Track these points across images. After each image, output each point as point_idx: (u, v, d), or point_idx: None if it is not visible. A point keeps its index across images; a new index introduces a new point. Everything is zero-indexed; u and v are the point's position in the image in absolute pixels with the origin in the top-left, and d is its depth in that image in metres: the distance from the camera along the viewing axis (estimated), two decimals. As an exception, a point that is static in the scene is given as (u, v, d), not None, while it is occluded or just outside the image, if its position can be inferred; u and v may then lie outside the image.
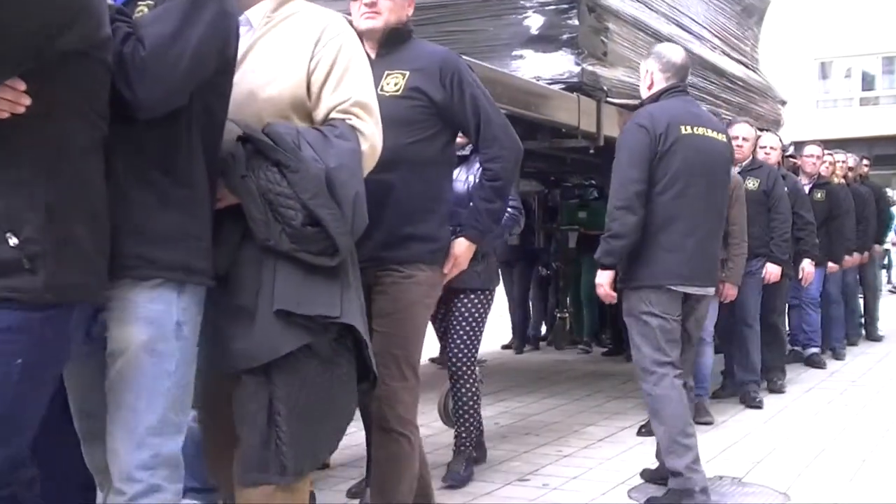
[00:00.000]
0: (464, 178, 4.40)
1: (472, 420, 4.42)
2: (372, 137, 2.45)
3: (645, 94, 4.06)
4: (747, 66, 7.41)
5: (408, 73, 3.00)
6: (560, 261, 8.63)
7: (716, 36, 6.75)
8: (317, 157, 2.27)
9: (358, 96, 2.44)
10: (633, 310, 3.89)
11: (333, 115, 2.42)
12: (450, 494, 4.10)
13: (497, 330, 8.88)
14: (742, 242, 5.72)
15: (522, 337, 8.84)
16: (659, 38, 5.64)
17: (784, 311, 7.07)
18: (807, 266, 6.90)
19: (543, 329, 9.25)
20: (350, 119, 2.42)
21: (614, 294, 3.98)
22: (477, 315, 4.39)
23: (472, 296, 4.37)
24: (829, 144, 8.95)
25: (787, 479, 4.33)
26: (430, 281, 3.04)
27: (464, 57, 4.21)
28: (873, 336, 9.63)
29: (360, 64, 2.51)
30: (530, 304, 8.90)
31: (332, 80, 2.43)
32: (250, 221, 2.25)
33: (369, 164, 2.48)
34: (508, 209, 4.35)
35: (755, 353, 6.41)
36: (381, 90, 2.97)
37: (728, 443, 5.09)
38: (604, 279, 3.94)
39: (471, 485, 4.27)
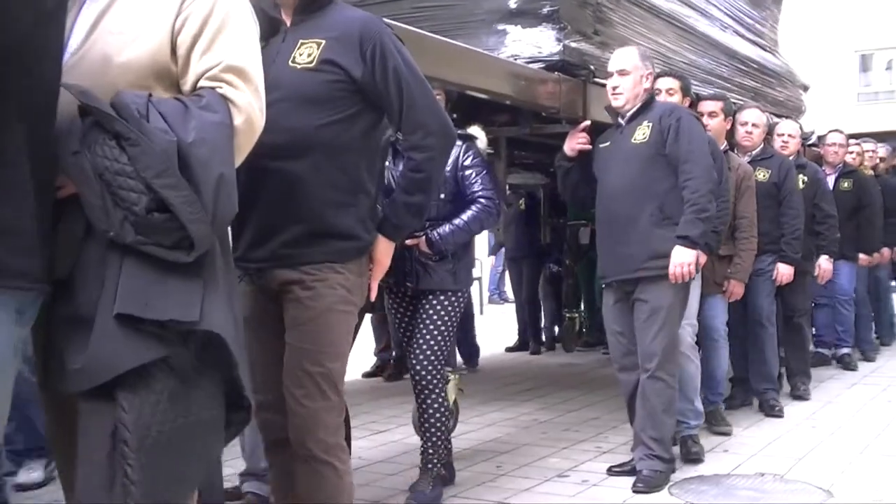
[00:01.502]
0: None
1: (439, 435, 4.01)
2: (248, 109, 2.03)
3: (641, 92, 4.11)
4: (764, 49, 6.91)
5: (323, 42, 2.58)
6: (570, 257, 8.19)
7: (727, 15, 6.27)
8: (167, 129, 1.88)
9: (231, 60, 2.03)
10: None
11: (202, 82, 2.02)
12: (486, 490, 4.01)
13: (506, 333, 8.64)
14: (751, 237, 5.27)
15: (536, 337, 8.45)
16: (658, 14, 5.20)
17: (808, 311, 6.57)
18: (823, 263, 6.41)
19: (557, 329, 8.81)
20: (221, 87, 2.02)
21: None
22: (446, 318, 3.98)
23: (442, 297, 3.96)
24: (870, 137, 8.49)
25: (830, 477, 4.24)
26: (349, 284, 2.62)
27: (437, 35, 3.87)
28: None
29: (239, 23, 2.09)
30: (542, 303, 8.49)
31: (202, 42, 2.02)
32: (86, 208, 1.83)
33: (245, 141, 2.05)
34: (482, 200, 3.97)
35: (772, 357, 5.92)
36: (293, 62, 2.58)
37: (769, 439, 5.02)
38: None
39: (509, 481, 4.18)
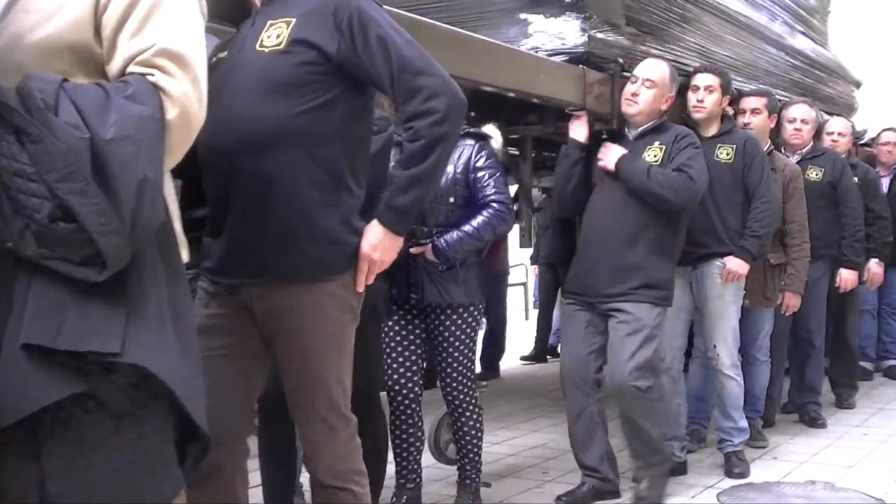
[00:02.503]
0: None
1: (476, 450, 3.84)
2: (183, 101, 1.72)
3: (658, 110, 3.94)
4: (814, 41, 6.47)
5: (293, 20, 2.27)
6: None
7: (775, 3, 5.83)
8: (79, 124, 1.58)
9: (166, 43, 1.73)
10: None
11: (131, 68, 1.73)
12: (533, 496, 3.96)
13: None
14: (803, 243, 4.90)
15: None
16: (700, 4, 4.81)
17: (855, 323, 6.14)
18: (874, 267, 5.99)
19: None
20: (152, 75, 1.71)
21: None
22: (468, 334, 3.71)
23: (456, 315, 3.67)
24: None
25: (883, 485, 4.18)
26: (341, 301, 2.32)
27: (452, 27, 3.55)
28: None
29: (178, 1, 1.81)
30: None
31: (132, 22, 1.72)
32: (-18, 214, 1.57)
33: (179, 138, 1.74)
34: (494, 204, 3.64)
35: (816, 374, 5.57)
36: (260, 46, 2.26)
37: (819, 447, 4.96)
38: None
39: (555, 487, 4.13)
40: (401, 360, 3.74)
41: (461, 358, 3.69)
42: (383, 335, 3.76)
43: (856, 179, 5.83)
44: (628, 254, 3.82)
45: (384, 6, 2.39)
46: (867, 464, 4.60)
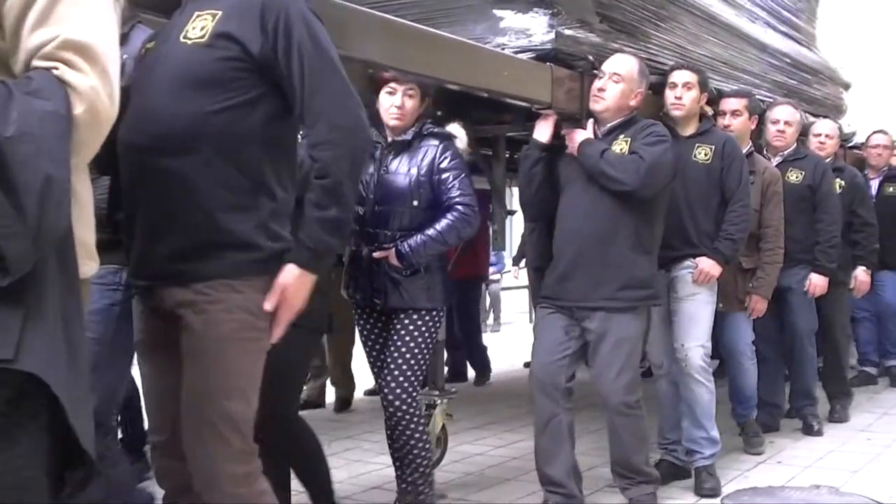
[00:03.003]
0: (405, 171, 3.60)
1: (420, 471, 3.60)
2: (91, 96, 1.62)
3: (626, 106, 3.82)
4: (799, 43, 6.37)
5: (219, 13, 2.16)
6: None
7: (757, 5, 5.74)
8: None
9: (71, 34, 1.63)
10: None
11: (35, 62, 1.64)
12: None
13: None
14: (777, 248, 4.79)
15: None
16: (677, 2, 4.72)
17: (846, 326, 6.05)
18: (861, 275, 5.89)
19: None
20: (57, 68, 1.63)
21: None
22: (420, 340, 3.57)
23: (415, 316, 3.56)
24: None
25: (888, 489, 4.15)
26: (252, 305, 2.18)
27: (417, 24, 3.46)
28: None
29: (88, -11, 1.71)
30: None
31: (34, 11, 1.62)
32: None
33: (88, 136, 1.64)
34: (459, 207, 3.55)
35: (811, 378, 5.48)
36: (184, 37, 2.15)
37: (824, 451, 4.95)
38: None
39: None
40: (390, 365, 3.59)
41: (408, 362, 3.54)
42: (368, 346, 3.70)
43: (842, 183, 5.76)
44: (605, 253, 3.71)
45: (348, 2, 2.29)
46: (872, 468, 4.56)
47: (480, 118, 4.25)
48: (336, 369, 6.09)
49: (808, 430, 5.34)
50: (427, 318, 3.58)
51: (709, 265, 4.24)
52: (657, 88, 4.44)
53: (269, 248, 2.20)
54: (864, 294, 6.10)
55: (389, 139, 3.65)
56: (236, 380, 2.18)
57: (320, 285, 3.04)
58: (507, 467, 4.68)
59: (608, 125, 3.83)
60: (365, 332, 3.71)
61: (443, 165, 3.57)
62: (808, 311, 5.39)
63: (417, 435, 3.60)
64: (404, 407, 3.54)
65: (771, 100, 5.55)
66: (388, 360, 3.56)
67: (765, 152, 5.36)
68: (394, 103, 3.60)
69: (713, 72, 5.01)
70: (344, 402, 6.10)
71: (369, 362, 3.74)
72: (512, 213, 5.52)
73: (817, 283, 5.29)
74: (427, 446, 3.65)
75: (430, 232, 3.51)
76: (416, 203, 3.55)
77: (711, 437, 4.31)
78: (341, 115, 2.17)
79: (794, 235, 5.12)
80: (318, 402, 5.97)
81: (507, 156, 4.88)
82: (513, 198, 5.39)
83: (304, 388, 5.91)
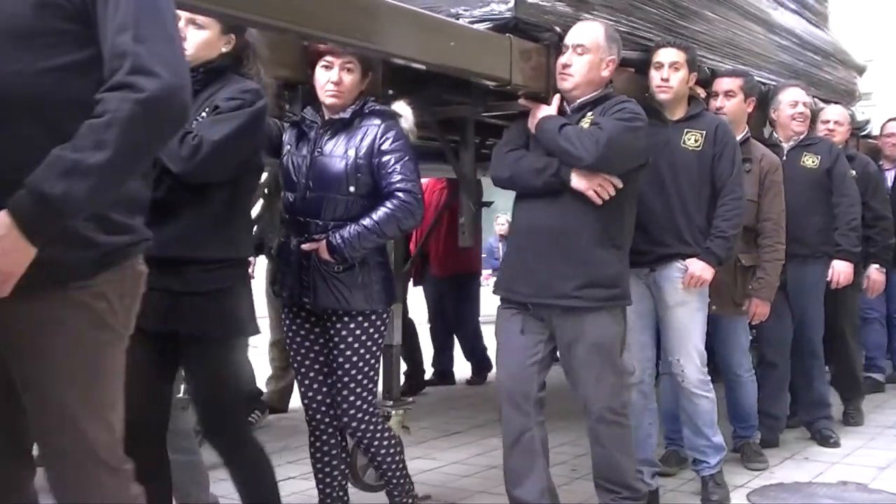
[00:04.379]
0: (341, 153, 3.19)
1: (398, 473, 3.38)
2: None
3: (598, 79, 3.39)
4: (809, 22, 5.87)
5: None
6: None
7: (760, -21, 5.26)
8: None
9: None
10: None
11: None
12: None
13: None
14: (777, 244, 4.33)
15: None
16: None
17: (857, 328, 5.57)
18: (873, 273, 5.40)
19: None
20: None
21: None
22: (363, 349, 3.19)
23: (353, 325, 3.17)
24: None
25: None
26: (90, 311, 1.81)
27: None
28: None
29: None
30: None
31: None
32: None
33: None
34: (400, 194, 3.13)
35: (822, 386, 5.06)
36: None
37: (851, 448, 4.86)
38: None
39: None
40: (311, 374, 3.28)
41: (354, 377, 3.17)
42: (294, 349, 3.30)
43: (853, 173, 5.28)
44: (568, 247, 3.29)
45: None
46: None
47: (442, 98, 3.80)
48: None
49: (825, 442, 4.91)
50: (366, 323, 3.17)
51: (700, 268, 3.81)
52: (641, 68, 3.99)
53: (105, 244, 1.80)
54: (878, 294, 5.61)
55: (326, 118, 3.23)
56: (86, 403, 1.83)
57: (234, 288, 2.72)
58: (485, 477, 4.34)
59: (578, 101, 3.40)
60: (291, 334, 3.30)
61: (384, 147, 3.15)
62: (820, 312, 4.94)
63: (385, 442, 3.31)
64: (366, 418, 3.22)
65: (774, 83, 5.08)
66: (338, 376, 3.19)
67: (774, 135, 4.91)
68: (330, 79, 3.19)
69: (708, 50, 4.56)
70: None
71: (293, 367, 3.33)
72: (486, 204, 5.07)
73: (842, 270, 4.84)
74: (397, 445, 3.38)
75: (366, 222, 3.10)
76: (352, 189, 3.14)
77: (715, 444, 3.99)
78: (151, 62, 1.70)
79: (813, 226, 4.77)
80: (279, 406, 5.55)
81: (478, 142, 4.44)
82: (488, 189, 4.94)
83: (265, 391, 5.55)
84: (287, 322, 3.31)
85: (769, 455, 4.58)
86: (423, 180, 5.70)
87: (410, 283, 7.13)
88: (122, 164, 1.69)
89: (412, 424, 4.18)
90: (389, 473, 3.36)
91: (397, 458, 3.36)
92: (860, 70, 6.61)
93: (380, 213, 3.10)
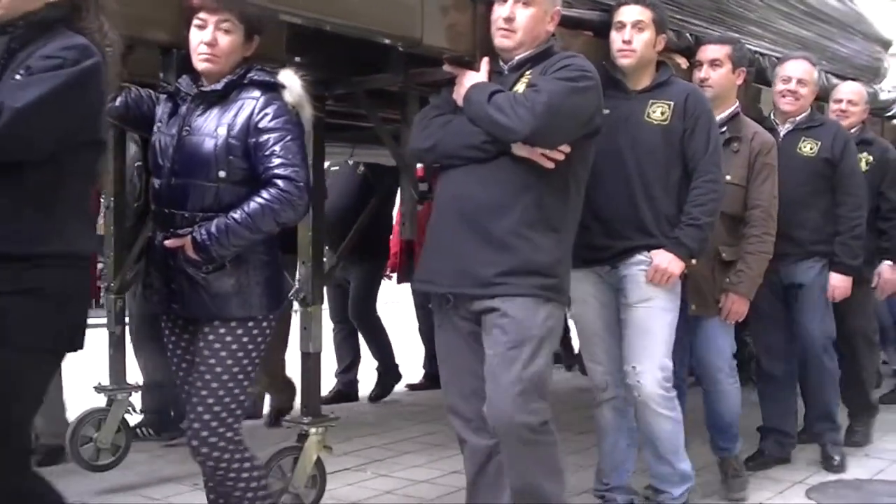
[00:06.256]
0: (211, 131, 2.68)
1: None
2: None
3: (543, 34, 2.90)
4: (820, -15, 5.22)
5: None
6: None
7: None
8: None
9: None
10: None
11: None
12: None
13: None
14: (764, 235, 3.77)
15: (567, 348, 7.12)
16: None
17: (869, 331, 4.92)
18: (885, 271, 4.75)
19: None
20: None
21: None
22: (232, 362, 2.66)
23: (223, 330, 2.65)
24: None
25: None
26: None
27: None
28: None
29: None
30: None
31: None
32: None
33: None
34: (279, 181, 2.63)
35: (832, 397, 4.44)
36: None
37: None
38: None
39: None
40: (195, 397, 2.71)
41: (217, 389, 2.64)
42: (175, 362, 2.81)
43: (870, 159, 4.67)
44: (490, 228, 2.77)
45: None
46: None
47: (361, 67, 3.28)
48: (264, 378, 5.19)
49: (828, 464, 4.30)
50: (240, 330, 2.65)
51: (666, 260, 3.25)
52: (602, 30, 3.43)
53: None
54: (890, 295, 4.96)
55: (199, 89, 2.73)
56: None
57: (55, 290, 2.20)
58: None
59: (516, 59, 2.86)
60: (170, 347, 2.80)
61: (261, 125, 2.63)
62: (825, 313, 4.33)
63: (243, 484, 2.71)
64: (216, 453, 2.66)
65: (777, 56, 4.47)
66: (194, 390, 2.67)
67: (772, 117, 4.32)
68: (202, 39, 2.68)
69: (692, 14, 3.98)
70: (278, 415, 5.19)
71: (176, 384, 2.82)
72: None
73: (837, 284, 4.24)
74: (263, 494, 2.77)
75: (236, 214, 2.58)
76: (222, 175, 2.63)
77: (680, 472, 3.43)
78: None
79: (807, 222, 4.17)
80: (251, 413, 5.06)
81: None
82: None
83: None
84: (166, 333, 2.81)
85: (784, 470, 4.24)
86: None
87: (395, 280, 6.67)
88: None
89: (417, 429, 3.64)
90: None
91: (256, 493, 2.74)
92: (885, 44, 5.93)
93: (252, 204, 2.59)
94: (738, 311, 3.75)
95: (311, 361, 3.40)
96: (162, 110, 2.79)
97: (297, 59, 3.05)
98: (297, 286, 3.38)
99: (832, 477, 4.11)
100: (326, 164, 6.81)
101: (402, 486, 4.08)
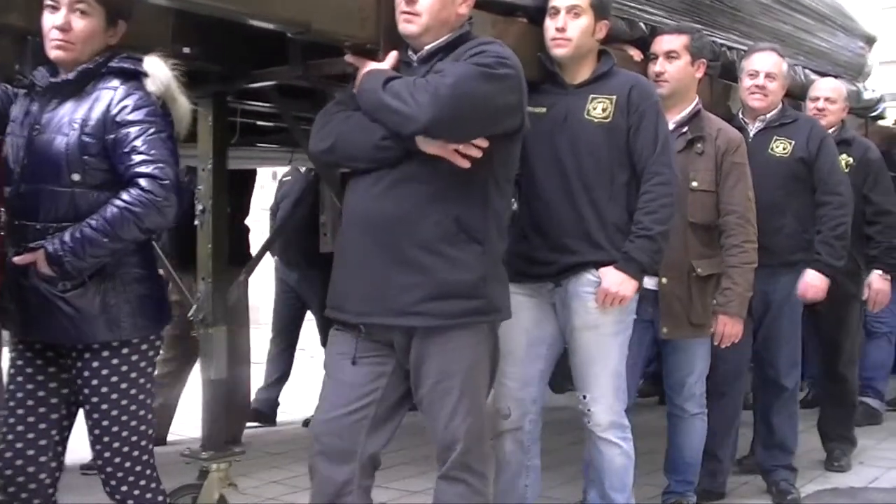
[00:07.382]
0: (63, 125, 2.36)
1: None
2: None
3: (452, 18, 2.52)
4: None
5: None
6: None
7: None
8: None
9: None
10: None
11: None
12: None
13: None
14: (747, 244, 3.42)
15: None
16: None
17: (855, 355, 4.54)
18: (875, 281, 4.38)
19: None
20: None
21: None
22: (127, 388, 2.36)
23: (108, 354, 2.33)
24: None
25: None
26: None
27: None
28: None
29: None
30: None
31: None
32: None
33: None
34: (142, 181, 2.29)
35: (789, 430, 4.02)
36: None
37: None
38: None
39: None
40: (19, 429, 2.38)
41: (111, 426, 2.34)
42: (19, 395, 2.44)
43: (850, 160, 4.31)
44: (406, 244, 2.40)
45: None
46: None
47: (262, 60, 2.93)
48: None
49: (782, 498, 3.88)
50: (114, 359, 2.33)
51: (617, 282, 2.89)
52: (536, 17, 3.07)
53: None
54: (881, 307, 4.59)
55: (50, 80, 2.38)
56: None
57: None
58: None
59: (426, 49, 2.51)
60: (13, 371, 2.44)
61: (120, 117, 2.29)
62: (794, 333, 3.95)
63: None
64: (125, 487, 2.40)
65: (744, 49, 4.11)
66: (90, 429, 2.38)
67: (740, 115, 3.97)
68: (54, 24, 2.33)
69: (648, 3, 3.62)
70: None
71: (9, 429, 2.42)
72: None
73: (812, 282, 3.85)
74: None
75: (93, 221, 2.25)
76: (76, 178, 2.30)
77: None
78: None
79: (783, 228, 3.82)
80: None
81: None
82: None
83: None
84: (12, 357, 2.45)
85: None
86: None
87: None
88: None
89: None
90: None
91: None
92: (869, 39, 5.56)
93: (111, 208, 2.25)
94: (731, 333, 3.41)
95: (214, 389, 3.04)
96: (18, 109, 2.44)
97: (186, 49, 2.70)
98: (195, 305, 3.03)
99: (827, 486, 4.07)
100: (276, 170, 6.53)
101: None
